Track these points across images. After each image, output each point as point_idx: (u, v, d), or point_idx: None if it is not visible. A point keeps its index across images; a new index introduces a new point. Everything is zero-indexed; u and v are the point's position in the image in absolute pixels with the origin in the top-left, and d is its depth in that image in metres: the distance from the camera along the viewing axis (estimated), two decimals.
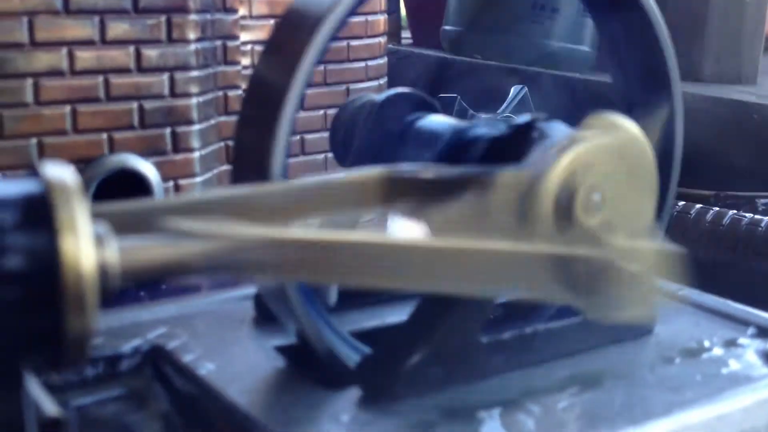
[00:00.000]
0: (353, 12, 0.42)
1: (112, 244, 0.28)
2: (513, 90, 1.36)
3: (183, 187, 1.21)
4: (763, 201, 1.24)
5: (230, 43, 1.31)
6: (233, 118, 1.30)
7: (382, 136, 0.53)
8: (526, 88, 1.36)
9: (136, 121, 1.16)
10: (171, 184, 1.20)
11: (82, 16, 1.10)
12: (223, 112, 1.32)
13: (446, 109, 0.57)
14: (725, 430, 0.42)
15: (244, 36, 1.35)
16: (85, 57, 1.12)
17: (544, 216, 0.38)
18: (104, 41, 1.12)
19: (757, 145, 1.42)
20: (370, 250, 0.35)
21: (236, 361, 0.45)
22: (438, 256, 0.36)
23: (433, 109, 0.54)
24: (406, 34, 2.82)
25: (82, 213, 0.27)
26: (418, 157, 0.50)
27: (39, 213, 0.27)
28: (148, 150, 1.17)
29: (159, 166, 1.18)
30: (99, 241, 0.28)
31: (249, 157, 0.42)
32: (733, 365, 0.46)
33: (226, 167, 1.32)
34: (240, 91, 1.33)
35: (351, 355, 0.43)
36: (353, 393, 0.42)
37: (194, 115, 1.20)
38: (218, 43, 1.29)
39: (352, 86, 1.48)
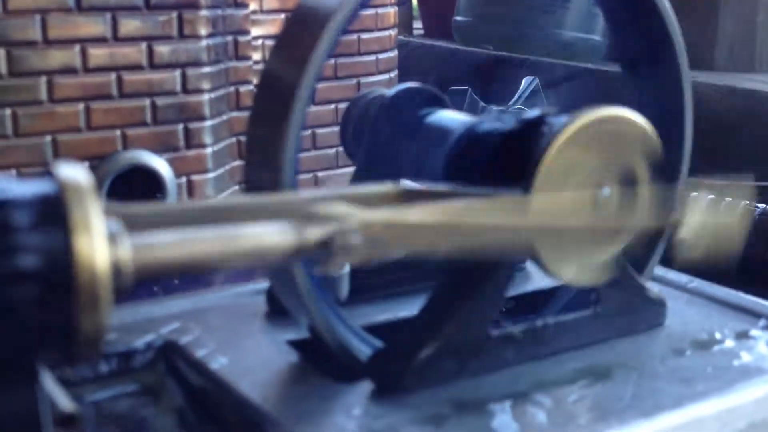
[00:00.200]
0: (364, 6, 0.42)
1: (125, 242, 0.29)
2: (524, 81, 1.36)
3: (196, 182, 1.22)
4: None
5: (241, 39, 1.32)
6: (245, 114, 1.31)
7: (392, 131, 0.53)
8: (537, 80, 1.36)
9: (148, 117, 1.17)
10: (184, 179, 1.21)
11: (95, 14, 1.11)
12: (234, 107, 1.32)
13: (457, 101, 0.57)
14: (737, 422, 0.42)
15: (255, 31, 1.36)
16: (98, 54, 1.12)
17: None
18: (116, 38, 1.13)
19: None
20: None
21: (249, 356, 0.46)
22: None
23: (443, 104, 0.54)
24: (417, 25, 2.81)
25: (96, 212, 0.28)
26: (429, 151, 0.50)
27: (53, 213, 0.27)
28: (161, 146, 1.18)
29: (172, 162, 1.18)
30: (112, 239, 0.28)
31: (261, 153, 0.42)
32: (745, 357, 0.46)
33: (238, 162, 1.33)
34: (251, 87, 1.34)
35: (362, 349, 0.44)
36: (365, 386, 0.42)
37: (206, 110, 1.21)
38: (229, 38, 1.30)
39: (363, 79, 1.49)
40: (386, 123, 0.53)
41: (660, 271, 0.55)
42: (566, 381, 0.43)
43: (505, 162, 0.43)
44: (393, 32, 1.57)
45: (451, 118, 0.51)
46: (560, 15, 1.96)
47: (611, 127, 0.42)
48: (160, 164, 1.16)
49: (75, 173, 0.29)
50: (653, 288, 0.49)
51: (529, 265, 0.57)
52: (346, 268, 0.50)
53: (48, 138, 1.11)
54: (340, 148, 0.63)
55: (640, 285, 0.48)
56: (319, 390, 0.42)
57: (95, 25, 1.11)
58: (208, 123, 1.22)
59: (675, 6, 0.50)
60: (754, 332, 0.49)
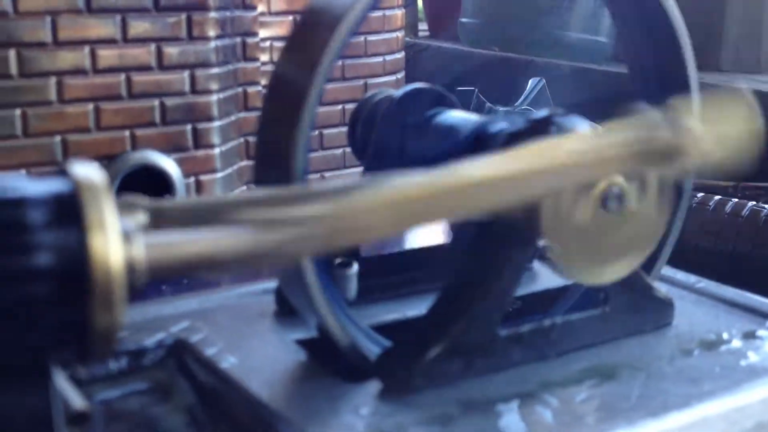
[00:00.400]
0: (372, 9, 0.42)
1: (139, 241, 0.29)
2: (530, 82, 1.36)
3: (204, 182, 1.22)
4: None
5: (249, 40, 1.32)
6: (253, 114, 1.31)
7: (400, 132, 0.54)
8: (543, 81, 1.36)
9: (157, 118, 1.18)
10: (192, 179, 1.21)
11: (104, 15, 1.12)
12: (242, 108, 1.32)
13: (464, 102, 0.58)
14: (744, 421, 0.42)
15: (263, 32, 1.36)
16: (108, 55, 1.13)
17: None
18: (126, 39, 1.14)
19: None
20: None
21: (258, 354, 0.46)
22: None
23: (451, 104, 0.54)
24: (422, 27, 2.81)
25: (110, 211, 0.28)
26: (436, 152, 0.50)
27: (68, 211, 0.28)
28: (170, 146, 1.18)
29: (180, 162, 1.19)
30: (126, 237, 0.28)
31: (271, 153, 0.43)
32: (752, 357, 0.46)
33: (246, 163, 1.33)
34: (259, 88, 1.34)
35: (371, 348, 0.44)
36: (373, 386, 0.42)
37: (214, 111, 1.22)
38: (238, 39, 1.30)
39: (370, 81, 1.49)
40: (394, 123, 0.54)
41: (668, 271, 0.55)
42: (573, 381, 0.43)
43: None
44: (400, 34, 1.57)
45: (458, 118, 0.51)
46: (566, 16, 1.96)
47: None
48: (168, 164, 1.17)
49: (89, 172, 0.29)
50: (661, 288, 0.50)
51: (537, 265, 0.57)
52: (355, 268, 0.50)
53: (57, 138, 1.11)
54: (348, 149, 0.64)
55: (648, 285, 0.49)
56: (328, 389, 0.42)
57: (105, 27, 1.12)
58: (217, 123, 1.22)
59: (681, 6, 0.50)
60: (761, 332, 0.49)
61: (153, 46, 1.16)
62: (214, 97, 1.21)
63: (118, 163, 1.13)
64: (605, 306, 0.47)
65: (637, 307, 0.48)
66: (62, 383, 0.38)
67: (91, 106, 1.13)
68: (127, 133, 1.16)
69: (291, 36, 0.45)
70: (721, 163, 0.42)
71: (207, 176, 1.22)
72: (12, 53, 1.07)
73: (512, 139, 0.44)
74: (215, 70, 1.21)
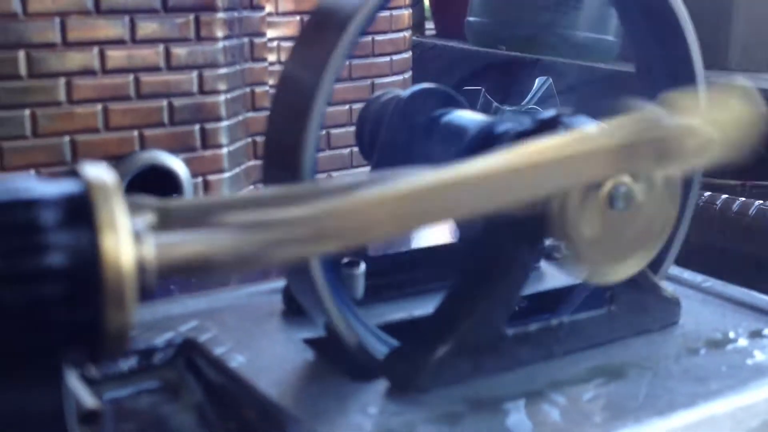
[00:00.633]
0: (380, 9, 0.42)
1: (150, 241, 0.29)
2: (537, 82, 1.36)
3: (212, 182, 1.23)
4: None
5: (257, 40, 1.33)
6: (261, 114, 1.32)
7: (407, 132, 0.54)
8: (550, 80, 1.36)
9: (165, 118, 1.18)
10: (200, 179, 1.21)
11: (113, 16, 1.12)
12: (250, 108, 1.33)
13: (471, 102, 0.58)
14: (750, 421, 0.42)
15: (271, 33, 1.37)
16: (116, 56, 1.14)
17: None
18: (134, 40, 1.14)
19: None
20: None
21: (266, 354, 0.46)
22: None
23: (458, 105, 0.54)
24: (429, 25, 2.81)
25: (121, 211, 0.28)
26: (444, 152, 0.50)
27: (80, 212, 0.28)
28: (178, 146, 1.19)
29: (188, 162, 1.19)
30: (137, 238, 0.29)
31: (280, 153, 0.43)
32: (759, 356, 0.46)
33: (253, 162, 1.34)
34: (267, 88, 1.34)
35: (378, 348, 0.44)
36: (381, 385, 0.42)
37: (222, 111, 1.22)
38: (245, 40, 1.30)
39: (377, 81, 1.49)
40: (401, 123, 0.54)
41: (674, 270, 0.55)
42: (581, 380, 0.43)
43: None
44: (407, 34, 1.58)
45: (466, 118, 0.52)
46: (573, 15, 1.96)
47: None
48: (176, 164, 1.17)
49: (100, 173, 0.29)
50: (667, 287, 0.50)
51: (543, 265, 0.57)
52: (362, 268, 0.51)
53: (67, 138, 1.12)
54: (355, 149, 0.64)
55: (655, 284, 0.49)
56: (336, 388, 0.43)
57: (113, 28, 1.13)
58: (224, 123, 1.23)
59: (689, 4, 0.50)
60: (767, 331, 0.49)
61: (161, 47, 1.16)
62: (222, 98, 1.22)
63: (126, 164, 1.14)
64: (612, 305, 0.47)
65: (643, 306, 0.48)
66: (74, 382, 0.38)
67: (99, 107, 1.13)
68: (135, 133, 1.16)
69: (299, 36, 0.45)
70: (723, 156, 0.42)
71: (215, 176, 1.23)
72: (21, 54, 1.08)
73: (519, 139, 0.45)
74: (223, 71, 1.21)
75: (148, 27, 1.15)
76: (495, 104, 1.15)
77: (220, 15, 1.20)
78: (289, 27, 1.39)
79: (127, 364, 0.47)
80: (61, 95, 1.11)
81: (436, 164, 0.46)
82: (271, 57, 1.36)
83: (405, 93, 0.54)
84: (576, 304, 0.48)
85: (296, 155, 0.40)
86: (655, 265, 0.51)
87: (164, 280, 0.30)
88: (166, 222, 0.31)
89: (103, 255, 0.27)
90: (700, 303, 0.53)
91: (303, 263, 0.40)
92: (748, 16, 1.79)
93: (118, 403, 0.45)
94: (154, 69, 1.16)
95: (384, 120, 0.55)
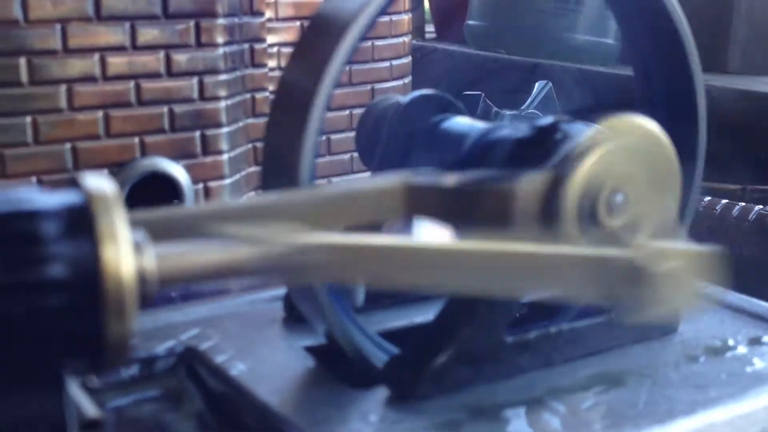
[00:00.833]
0: (380, 14, 0.42)
1: (150, 252, 0.29)
2: (537, 85, 1.36)
3: (212, 189, 1.23)
4: None
5: (257, 46, 1.33)
6: (261, 120, 1.32)
7: (407, 137, 0.54)
8: (550, 84, 1.36)
9: (166, 124, 1.18)
10: (201, 186, 1.22)
11: (114, 23, 1.13)
12: (251, 114, 1.33)
13: (470, 106, 0.58)
14: (749, 428, 0.42)
15: (271, 38, 1.37)
16: (117, 63, 1.14)
17: (568, 219, 0.39)
18: (135, 47, 1.14)
19: None
20: (423, 254, 0.35)
21: (266, 362, 0.47)
22: (468, 258, 0.37)
23: (458, 111, 0.55)
24: (429, 29, 2.81)
25: (122, 222, 0.28)
26: (443, 158, 0.50)
27: (81, 223, 0.28)
28: (179, 153, 1.19)
29: (189, 168, 1.19)
30: (137, 248, 0.29)
31: (278, 160, 0.43)
32: (758, 363, 0.46)
33: (254, 169, 1.34)
34: (267, 93, 1.35)
35: (379, 355, 0.44)
36: (381, 392, 0.43)
37: (223, 117, 1.22)
38: (246, 46, 1.31)
39: (377, 86, 1.49)
40: (401, 129, 0.54)
41: None
42: (580, 387, 0.43)
43: (518, 168, 0.43)
44: (407, 39, 1.58)
45: (464, 124, 0.52)
46: (572, 19, 1.96)
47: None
48: (177, 171, 1.17)
49: (101, 183, 0.29)
50: None
51: None
52: None
53: (68, 145, 1.12)
54: (355, 154, 0.64)
55: None
56: (336, 396, 0.43)
57: (114, 34, 1.13)
58: (225, 130, 1.23)
59: (688, 9, 0.50)
60: (766, 338, 0.49)
61: (162, 53, 1.16)
62: (223, 104, 1.22)
63: (127, 170, 1.14)
64: (611, 313, 0.47)
65: None
66: (75, 391, 0.39)
67: (100, 114, 1.14)
68: (136, 140, 1.16)
69: (299, 42, 0.45)
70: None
71: (215, 182, 1.23)
72: (22, 61, 1.08)
73: (518, 145, 0.45)
74: (223, 77, 1.22)
75: (148, 33, 1.15)
76: (495, 109, 1.15)
77: (221, 21, 1.20)
78: (289, 33, 1.39)
79: (129, 372, 0.47)
80: (62, 102, 1.11)
81: (435, 170, 0.47)
82: (271, 63, 1.37)
83: (405, 99, 0.55)
84: (575, 312, 0.48)
85: (294, 162, 0.41)
86: None
87: (166, 289, 0.30)
88: (165, 232, 0.31)
89: (104, 266, 0.28)
90: (699, 310, 0.53)
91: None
92: (748, 18, 1.79)
93: (120, 412, 0.45)
94: (154, 75, 1.16)
95: (384, 126, 0.55)
